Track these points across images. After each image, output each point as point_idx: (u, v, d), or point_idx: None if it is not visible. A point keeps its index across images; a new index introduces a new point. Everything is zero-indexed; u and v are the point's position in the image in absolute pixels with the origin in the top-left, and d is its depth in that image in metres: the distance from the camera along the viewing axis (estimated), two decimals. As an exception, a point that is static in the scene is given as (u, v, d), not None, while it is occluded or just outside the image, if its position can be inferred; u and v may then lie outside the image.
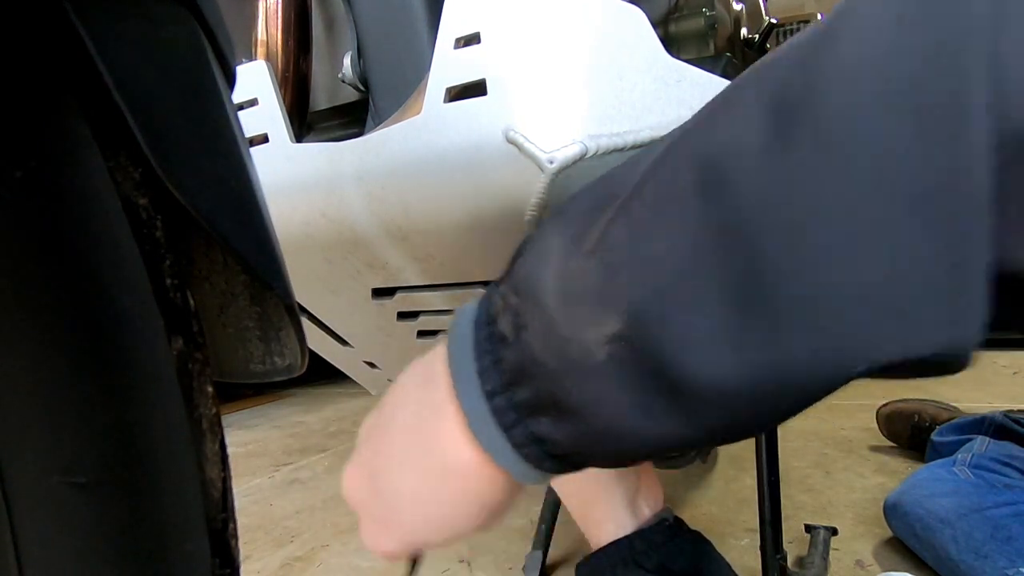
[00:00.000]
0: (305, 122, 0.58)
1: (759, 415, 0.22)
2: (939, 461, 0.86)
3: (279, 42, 0.52)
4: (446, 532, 0.29)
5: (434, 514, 0.28)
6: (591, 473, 0.50)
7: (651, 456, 0.25)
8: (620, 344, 0.22)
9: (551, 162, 0.31)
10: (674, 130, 0.24)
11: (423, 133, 0.34)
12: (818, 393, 0.21)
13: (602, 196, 0.25)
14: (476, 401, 0.25)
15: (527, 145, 0.31)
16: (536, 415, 0.25)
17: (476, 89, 0.32)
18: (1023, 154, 0.17)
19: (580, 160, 0.31)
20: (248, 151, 0.22)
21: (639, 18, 0.34)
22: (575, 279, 0.23)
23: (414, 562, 0.36)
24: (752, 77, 0.22)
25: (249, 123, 0.41)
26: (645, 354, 0.21)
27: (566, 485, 0.53)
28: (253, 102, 0.41)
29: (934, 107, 0.17)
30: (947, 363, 0.19)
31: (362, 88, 0.52)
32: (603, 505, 0.50)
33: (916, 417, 1.08)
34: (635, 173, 0.24)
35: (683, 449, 0.24)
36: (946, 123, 0.17)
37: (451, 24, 0.33)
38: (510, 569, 0.84)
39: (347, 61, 0.51)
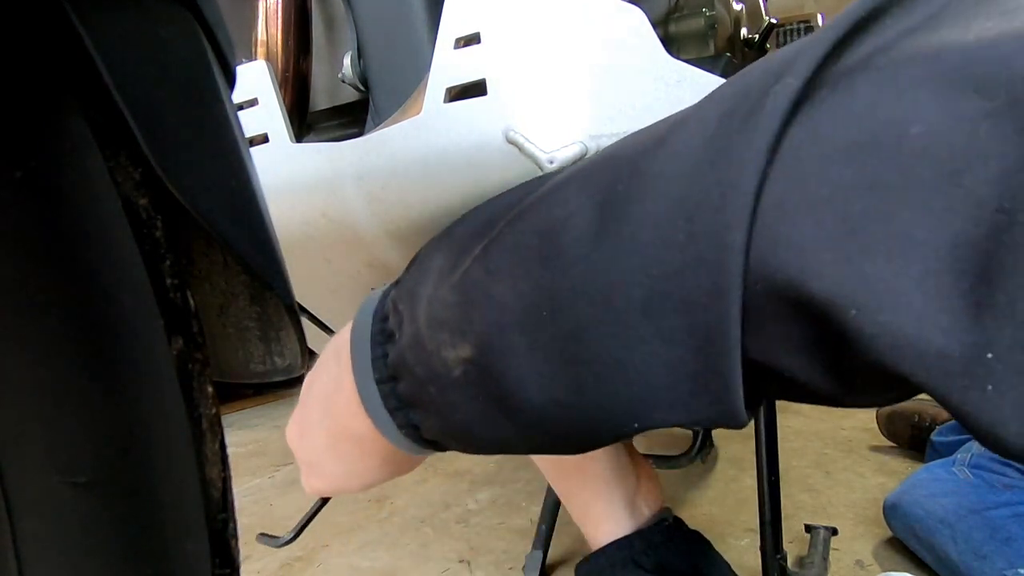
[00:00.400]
0: (305, 122, 0.58)
1: (572, 439, 0.27)
2: (939, 461, 0.86)
3: (279, 42, 0.52)
4: (358, 483, 0.36)
5: (345, 468, 0.35)
6: (590, 473, 0.50)
7: (501, 451, 0.29)
8: (471, 366, 0.26)
9: (551, 162, 0.31)
10: (558, 177, 0.27)
11: (423, 133, 0.34)
12: (610, 436, 0.26)
13: (485, 221, 0.28)
14: (368, 385, 0.30)
15: (527, 145, 0.31)
16: (411, 406, 0.29)
17: (476, 89, 0.32)
18: (764, 289, 0.20)
19: (580, 160, 0.31)
20: (248, 151, 0.22)
21: (640, 18, 0.34)
22: (441, 307, 0.27)
23: (323, 501, 0.46)
24: (599, 164, 0.25)
25: (249, 123, 0.41)
26: (489, 378, 0.26)
27: (565, 485, 0.53)
28: (253, 102, 0.41)
29: (706, 238, 0.21)
30: (722, 425, 0.23)
31: (362, 88, 0.52)
32: (602, 505, 0.50)
33: (916, 417, 1.08)
34: (519, 202, 0.27)
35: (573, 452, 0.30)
36: (713, 253, 0.20)
37: (451, 24, 0.33)
38: (510, 569, 0.84)
39: (347, 61, 0.51)
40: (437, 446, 0.31)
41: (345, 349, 0.31)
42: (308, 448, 0.35)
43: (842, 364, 0.20)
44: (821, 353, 0.20)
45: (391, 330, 0.30)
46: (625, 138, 0.26)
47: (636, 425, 0.25)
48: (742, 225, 0.20)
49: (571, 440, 0.27)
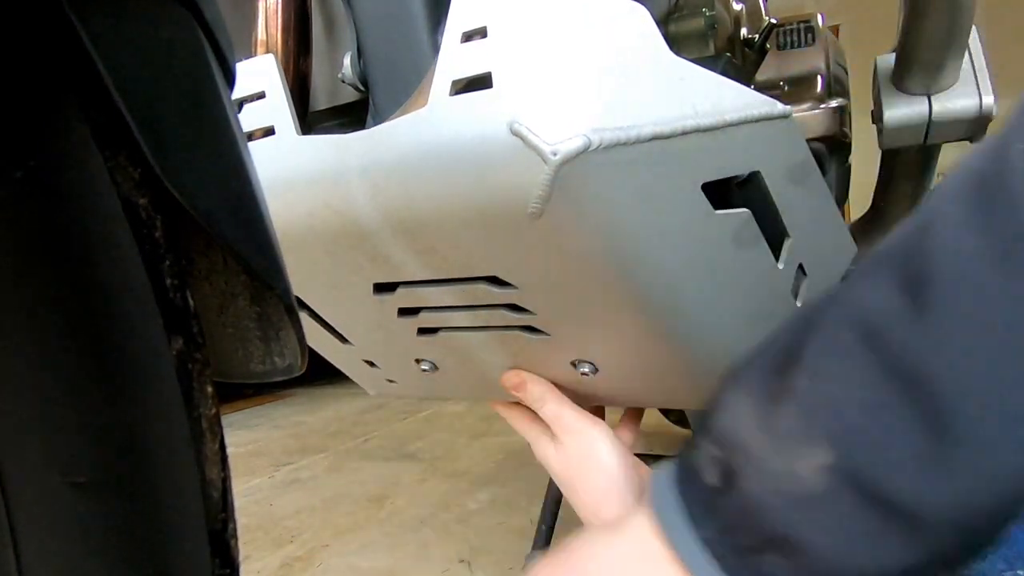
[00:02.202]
0: (305, 122, 0.58)
1: (988, 532, 0.25)
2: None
3: (279, 42, 0.52)
4: None
5: None
6: (603, 474, 0.51)
7: None
8: (834, 474, 0.24)
9: (555, 154, 0.31)
10: (808, 306, 0.29)
11: (428, 126, 0.34)
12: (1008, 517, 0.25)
13: (776, 354, 0.29)
14: (693, 550, 0.28)
15: (531, 137, 0.31)
16: (760, 554, 0.26)
17: (481, 83, 0.32)
18: None
19: (584, 153, 0.31)
20: (248, 151, 0.22)
21: (643, 15, 0.34)
22: (777, 422, 0.26)
23: None
24: (880, 256, 0.27)
25: (255, 116, 0.41)
26: (858, 481, 0.24)
27: (577, 483, 0.54)
28: (260, 95, 0.41)
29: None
30: None
31: (362, 88, 0.52)
32: (615, 507, 0.52)
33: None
34: (791, 341, 0.28)
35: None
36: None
37: (458, 18, 0.33)
38: (510, 569, 0.84)
39: (347, 61, 0.51)
40: None
41: (646, 530, 0.30)
42: None
43: None
44: None
45: (712, 484, 0.28)
46: (888, 241, 0.27)
47: None
48: None
49: (988, 528, 0.25)
